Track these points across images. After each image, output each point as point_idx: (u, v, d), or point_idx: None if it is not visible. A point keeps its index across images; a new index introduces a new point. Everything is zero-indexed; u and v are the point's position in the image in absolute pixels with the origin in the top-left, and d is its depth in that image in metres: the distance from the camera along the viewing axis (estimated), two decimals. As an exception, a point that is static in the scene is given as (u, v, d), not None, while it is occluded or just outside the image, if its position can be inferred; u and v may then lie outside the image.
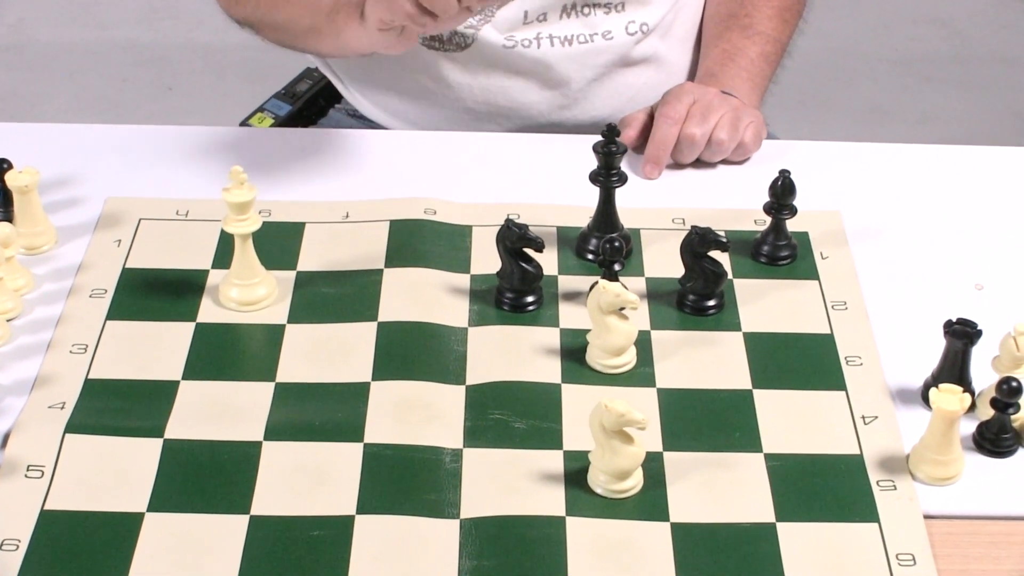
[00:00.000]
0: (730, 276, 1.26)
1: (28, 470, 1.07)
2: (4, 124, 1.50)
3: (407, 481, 1.06)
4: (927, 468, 1.07)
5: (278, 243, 1.29)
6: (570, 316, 1.22)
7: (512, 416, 1.12)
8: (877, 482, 1.07)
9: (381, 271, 1.26)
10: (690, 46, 1.62)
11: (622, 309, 1.15)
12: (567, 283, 1.26)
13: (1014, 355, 1.12)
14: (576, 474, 1.07)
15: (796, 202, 1.28)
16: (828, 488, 1.07)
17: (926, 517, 1.05)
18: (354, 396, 1.14)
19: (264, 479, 1.07)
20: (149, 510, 1.04)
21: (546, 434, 1.11)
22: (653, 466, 1.08)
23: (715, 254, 1.22)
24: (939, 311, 1.19)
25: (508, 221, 1.21)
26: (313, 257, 1.29)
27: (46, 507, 1.04)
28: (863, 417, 1.13)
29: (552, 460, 1.09)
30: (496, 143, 1.48)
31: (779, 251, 1.29)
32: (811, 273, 1.28)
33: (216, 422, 1.11)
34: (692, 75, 1.61)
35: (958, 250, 1.32)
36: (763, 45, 1.53)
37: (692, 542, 1.02)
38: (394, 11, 1.23)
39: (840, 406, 1.14)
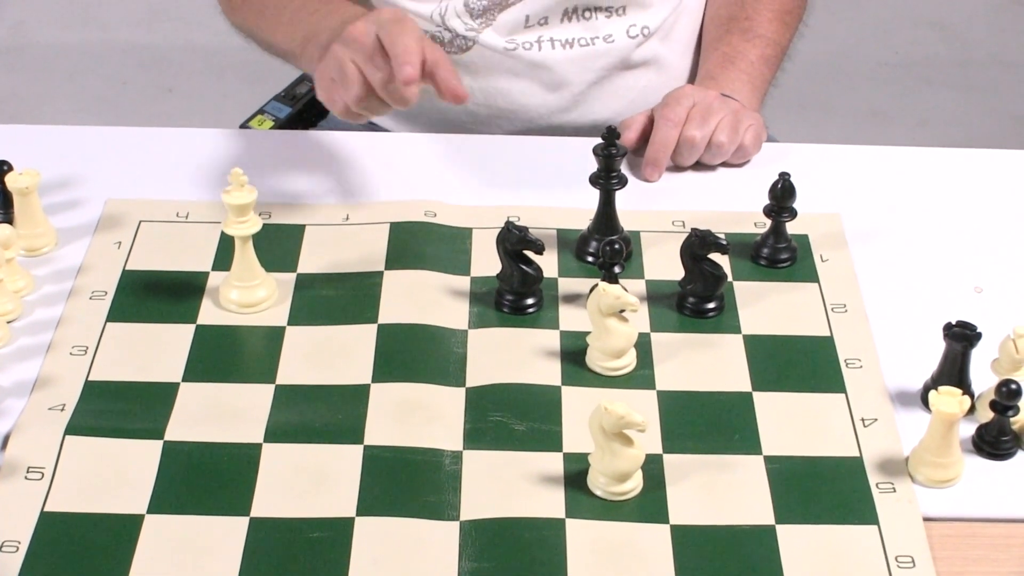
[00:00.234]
0: (730, 278, 1.26)
1: (28, 472, 1.07)
2: (4, 126, 1.50)
3: (407, 483, 1.06)
4: (926, 470, 1.08)
5: (278, 245, 1.29)
6: (570, 318, 1.23)
7: (512, 418, 1.12)
8: (876, 484, 1.07)
9: (381, 273, 1.26)
10: (691, 49, 1.62)
11: (622, 311, 1.15)
12: (567, 285, 1.26)
13: (1013, 358, 1.12)
14: (576, 476, 1.07)
15: (796, 205, 1.28)
16: (827, 490, 1.07)
17: (925, 519, 1.05)
18: (354, 398, 1.14)
19: (264, 481, 1.07)
20: (149, 512, 1.04)
21: (546, 436, 1.11)
22: (653, 468, 1.08)
23: (715, 256, 1.22)
24: (938, 314, 1.19)
25: (508, 223, 1.21)
26: (313, 259, 1.29)
27: (46, 509, 1.04)
28: (863, 419, 1.13)
29: (552, 462, 1.09)
30: (496, 145, 1.48)
31: (779, 253, 1.29)
32: (811, 276, 1.28)
33: (216, 424, 1.11)
34: (693, 78, 1.61)
35: (957, 253, 1.32)
36: (763, 48, 1.53)
37: (692, 544, 1.02)
38: (344, 82, 1.24)
39: (840, 408, 1.14)
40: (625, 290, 1.15)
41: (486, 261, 1.27)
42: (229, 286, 1.23)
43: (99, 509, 1.04)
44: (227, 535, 1.02)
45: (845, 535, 1.03)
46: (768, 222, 1.29)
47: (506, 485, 1.07)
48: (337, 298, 1.24)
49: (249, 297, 1.22)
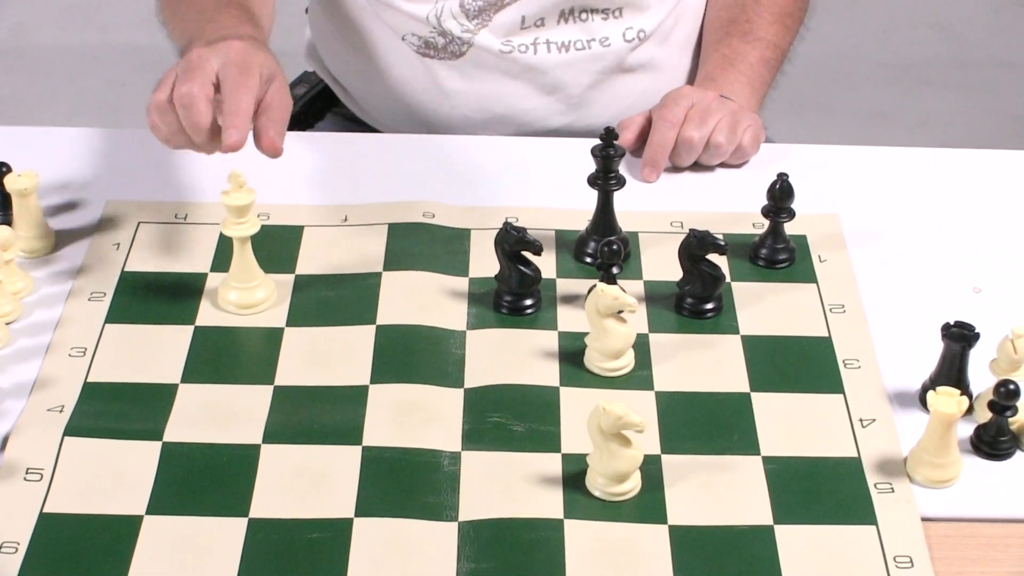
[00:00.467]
0: (728, 279, 1.27)
1: (27, 473, 1.07)
2: (3, 128, 1.50)
3: (405, 484, 1.06)
4: (925, 471, 1.08)
5: (277, 247, 1.29)
6: (568, 319, 1.23)
7: (510, 419, 1.12)
8: (875, 485, 1.07)
9: (380, 274, 1.26)
10: (689, 53, 1.62)
11: (620, 312, 1.15)
12: (565, 286, 1.26)
13: (1012, 358, 1.12)
14: (574, 477, 1.07)
15: (794, 205, 1.28)
16: (826, 491, 1.07)
17: (924, 520, 1.05)
18: (353, 399, 1.14)
19: (263, 482, 1.07)
20: (148, 513, 1.04)
21: (544, 437, 1.11)
22: (651, 469, 1.08)
23: (713, 257, 1.22)
24: (937, 314, 1.19)
25: (506, 224, 1.21)
26: (312, 260, 1.29)
27: (45, 510, 1.04)
28: (861, 420, 1.13)
29: (550, 463, 1.09)
30: (494, 146, 1.48)
31: (777, 254, 1.29)
32: (809, 276, 1.28)
33: (215, 425, 1.11)
34: (691, 81, 1.61)
35: (956, 253, 1.32)
36: (763, 50, 1.53)
37: (690, 545, 1.02)
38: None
39: (838, 409, 1.14)
40: (623, 291, 1.15)
41: (484, 262, 1.27)
42: (228, 287, 1.23)
43: (98, 510, 1.04)
44: (226, 536, 1.02)
45: (843, 535, 1.03)
46: (766, 223, 1.29)
47: (504, 486, 1.07)
48: (336, 299, 1.24)
49: (248, 298, 1.22)
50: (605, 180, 1.27)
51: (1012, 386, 1.07)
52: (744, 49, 1.52)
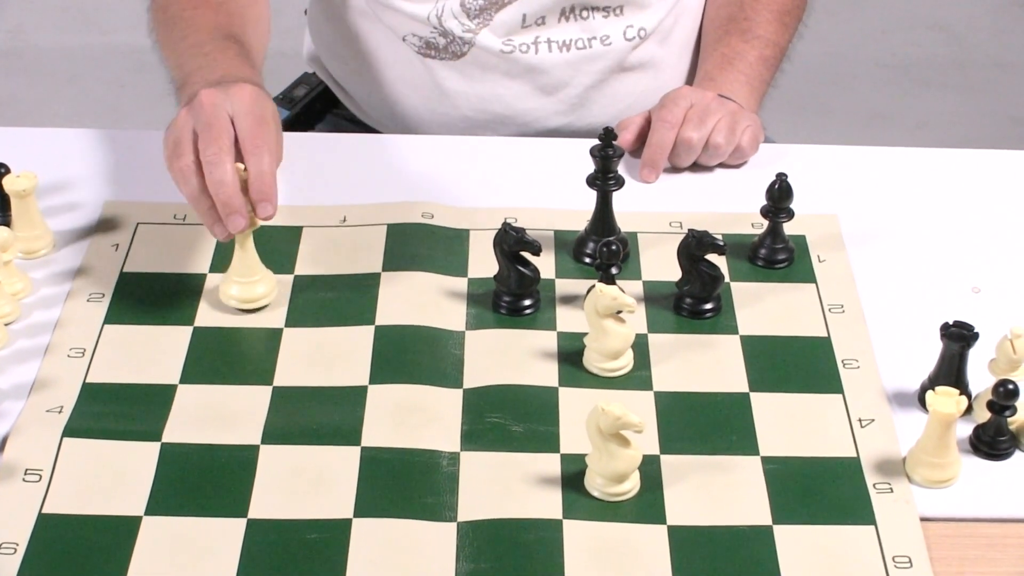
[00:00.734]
0: (727, 279, 1.27)
1: (26, 474, 1.07)
2: (2, 128, 1.50)
3: (404, 484, 1.06)
4: (924, 471, 1.08)
5: (276, 247, 1.29)
6: (567, 319, 1.23)
7: (509, 419, 1.12)
8: (874, 485, 1.07)
9: (378, 275, 1.26)
10: (688, 52, 1.62)
11: (619, 312, 1.15)
12: (564, 286, 1.26)
13: (1011, 358, 1.12)
14: (573, 477, 1.07)
15: (793, 205, 1.28)
16: (825, 491, 1.07)
17: (923, 520, 1.05)
18: (351, 400, 1.14)
19: (261, 482, 1.07)
20: (147, 513, 1.04)
21: (543, 437, 1.11)
22: (650, 469, 1.08)
23: (712, 257, 1.22)
24: (936, 314, 1.19)
25: (505, 225, 1.21)
26: (311, 261, 1.29)
27: (44, 510, 1.04)
28: (860, 420, 1.13)
29: (549, 463, 1.09)
30: (493, 147, 1.48)
31: (776, 254, 1.29)
32: (808, 276, 1.28)
33: (213, 426, 1.11)
34: (690, 80, 1.61)
35: (955, 253, 1.32)
36: (762, 49, 1.53)
37: (689, 545, 1.02)
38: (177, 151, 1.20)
39: (837, 409, 1.14)
40: (622, 291, 1.15)
41: (483, 262, 1.27)
42: (229, 282, 1.23)
43: (97, 511, 1.04)
44: (225, 536, 1.02)
45: (842, 535, 1.03)
46: (765, 223, 1.29)
47: (503, 486, 1.07)
48: (334, 300, 1.24)
49: (249, 293, 1.22)
50: (604, 180, 1.27)
51: (1011, 386, 1.07)
52: (743, 48, 1.52)
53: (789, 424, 1.13)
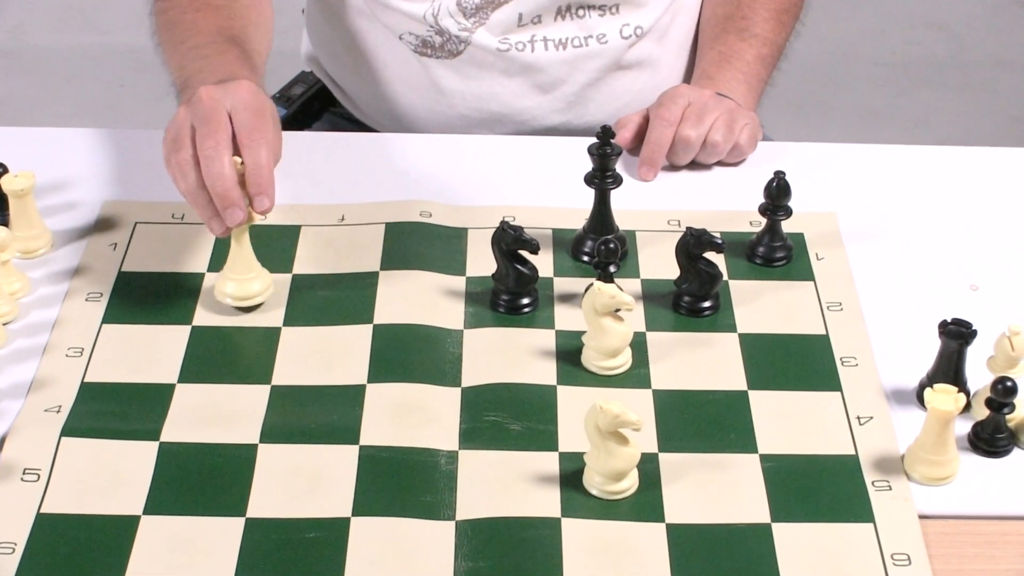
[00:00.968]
0: (725, 277, 1.27)
1: (24, 473, 1.07)
2: (0, 128, 1.50)
3: (403, 483, 1.06)
4: (922, 468, 1.08)
5: (274, 246, 1.29)
6: (565, 318, 1.23)
7: (508, 418, 1.12)
8: (872, 482, 1.07)
9: (377, 274, 1.26)
10: (685, 51, 1.62)
11: (617, 311, 1.15)
12: (563, 285, 1.26)
13: (1009, 355, 1.12)
14: (571, 475, 1.07)
15: (791, 203, 1.28)
16: (823, 489, 1.07)
17: (921, 517, 1.05)
18: (350, 399, 1.14)
19: (260, 481, 1.07)
20: (145, 513, 1.04)
21: (541, 436, 1.11)
22: (648, 467, 1.08)
23: (710, 255, 1.22)
24: (934, 311, 1.19)
25: (503, 223, 1.21)
26: (309, 260, 1.29)
27: (42, 510, 1.04)
28: (858, 418, 1.13)
29: (547, 462, 1.09)
30: (491, 145, 1.48)
31: (774, 252, 1.29)
32: (806, 274, 1.28)
33: (212, 425, 1.11)
34: (688, 79, 1.61)
35: (953, 251, 1.32)
36: (759, 48, 1.53)
37: (687, 543, 1.02)
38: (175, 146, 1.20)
39: (835, 407, 1.14)
40: (620, 289, 1.15)
41: (482, 261, 1.27)
42: (225, 279, 1.23)
43: (95, 510, 1.04)
44: (223, 536, 1.02)
45: (841, 533, 1.03)
46: (764, 221, 1.29)
47: (502, 485, 1.07)
48: (332, 299, 1.24)
49: (245, 290, 1.22)
50: (602, 179, 1.27)
51: (1009, 383, 1.07)
52: (740, 47, 1.52)
53: (787, 422, 1.13)
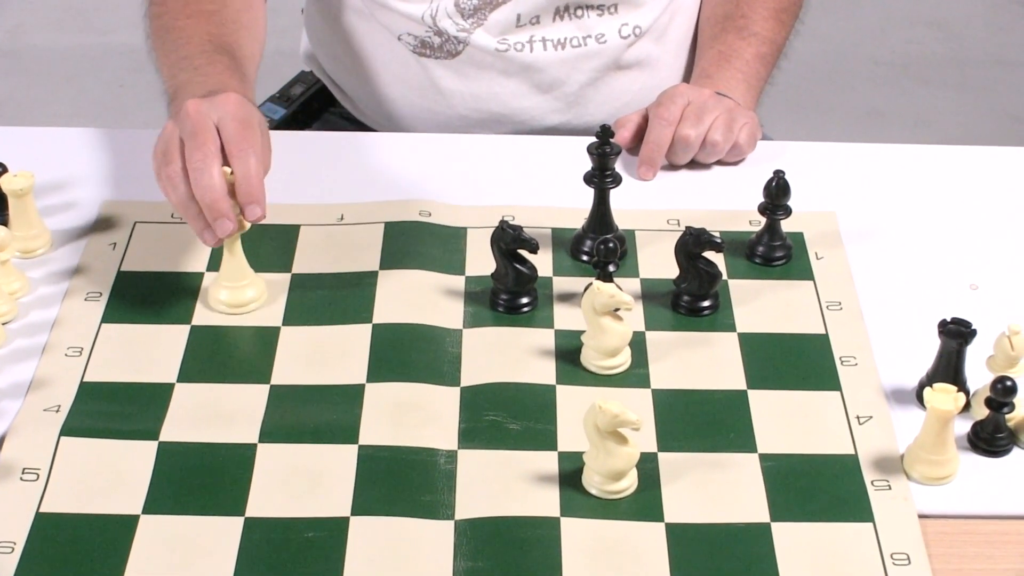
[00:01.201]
0: (725, 277, 1.26)
1: (23, 473, 1.07)
2: (0, 128, 1.50)
3: (402, 482, 1.06)
4: (922, 468, 1.07)
5: (273, 245, 1.29)
6: (565, 317, 1.22)
7: (507, 417, 1.12)
8: (872, 482, 1.07)
9: (376, 273, 1.26)
10: (684, 50, 1.62)
11: (616, 310, 1.15)
12: (562, 284, 1.26)
13: (1009, 354, 1.12)
14: (571, 475, 1.07)
15: (791, 203, 1.28)
16: (823, 488, 1.07)
17: (921, 517, 1.05)
18: (349, 398, 1.14)
19: (259, 481, 1.07)
20: (144, 512, 1.04)
21: (541, 435, 1.11)
22: (648, 467, 1.08)
23: (710, 255, 1.22)
24: (934, 311, 1.19)
25: (503, 223, 1.21)
26: (308, 259, 1.29)
27: (41, 510, 1.04)
28: (858, 417, 1.13)
29: (547, 461, 1.09)
30: (491, 145, 1.48)
31: (774, 252, 1.29)
32: (806, 273, 1.28)
33: (211, 424, 1.11)
34: (687, 78, 1.61)
35: (953, 250, 1.32)
36: (759, 46, 1.53)
37: (687, 542, 1.02)
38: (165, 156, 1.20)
39: (835, 406, 1.14)
40: (619, 289, 1.15)
41: (481, 260, 1.27)
42: (218, 286, 1.23)
43: (94, 510, 1.04)
44: (222, 535, 1.02)
45: (840, 533, 1.03)
46: (763, 220, 1.29)
47: (501, 484, 1.06)
48: (332, 298, 1.24)
49: (238, 297, 1.22)
50: (601, 178, 1.27)
51: (1009, 382, 1.07)
52: (739, 45, 1.52)
53: (787, 421, 1.13)
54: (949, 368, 1.12)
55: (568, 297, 1.25)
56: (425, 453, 1.09)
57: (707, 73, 1.51)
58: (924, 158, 1.46)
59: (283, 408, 1.13)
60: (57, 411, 1.12)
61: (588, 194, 1.29)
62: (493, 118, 1.56)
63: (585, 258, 1.29)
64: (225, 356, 1.19)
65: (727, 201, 1.37)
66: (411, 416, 1.12)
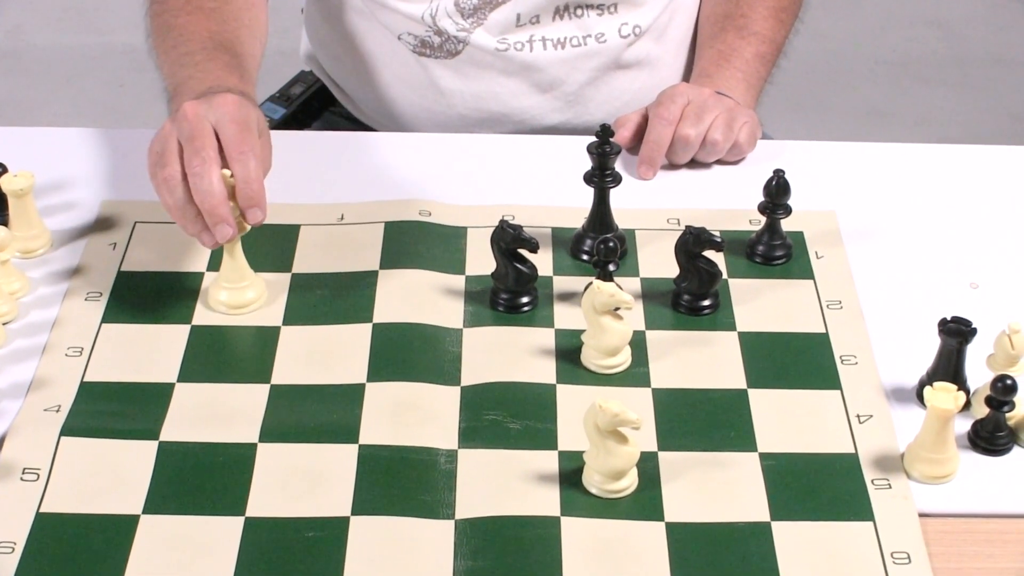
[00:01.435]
0: (725, 276, 1.26)
1: (24, 473, 1.07)
2: (0, 128, 1.50)
3: (402, 482, 1.06)
4: (922, 466, 1.07)
5: (273, 245, 1.29)
6: (565, 317, 1.22)
7: (507, 417, 1.12)
8: (872, 481, 1.07)
9: (376, 273, 1.26)
10: (684, 50, 1.62)
11: (617, 309, 1.15)
12: (562, 284, 1.26)
13: (1009, 353, 1.12)
14: (571, 474, 1.07)
15: (791, 202, 1.28)
16: (823, 487, 1.07)
17: (921, 515, 1.05)
18: (349, 398, 1.14)
19: (259, 481, 1.07)
20: (144, 512, 1.04)
21: (541, 434, 1.11)
22: (648, 466, 1.08)
23: (710, 254, 1.22)
24: (934, 310, 1.19)
25: (503, 222, 1.21)
26: (308, 259, 1.29)
27: (42, 510, 1.04)
28: (858, 416, 1.13)
29: (547, 460, 1.09)
30: (491, 145, 1.48)
31: (774, 251, 1.29)
32: (806, 272, 1.28)
33: (211, 424, 1.11)
34: (687, 77, 1.61)
35: (953, 249, 1.32)
36: (758, 46, 1.53)
37: (687, 542, 1.02)
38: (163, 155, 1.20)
39: (835, 405, 1.14)
40: (620, 288, 1.15)
41: (481, 260, 1.27)
42: (218, 287, 1.23)
43: (95, 510, 1.04)
44: (223, 535, 1.02)
45: (841, 532, 1.03)
46: (763, 219, 1.29)
47: (501, 483, 1.06)
48: (332, 298, 1.24)
49: (238, 298, 1.22)
50: (601, 177, 1.27)
51: (1009, 381, 1.07)
52: (739, 45, 1.52)
53: (787, 420, 1.13)
54: (949, 367, 1.12)
55: (568, 296, 1.25)
56: (425, 452, 1.09)
57: (707, 72, 1.51)
58: (924, 157, 1.46)
59: (283, 408, 1.13)
60: (57, 411, 1.12)
61: (588, 193, 1.29)
62: (493, 117, 1.56)
63: (585, 257, 1.29)
64: (225, 356, 1.19)
65: (727, 200, 1.37)
66: (411, 415, 1.12)
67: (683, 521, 1.04)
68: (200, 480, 1.07)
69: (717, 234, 1.21)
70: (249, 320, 1.22)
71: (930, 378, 1.13)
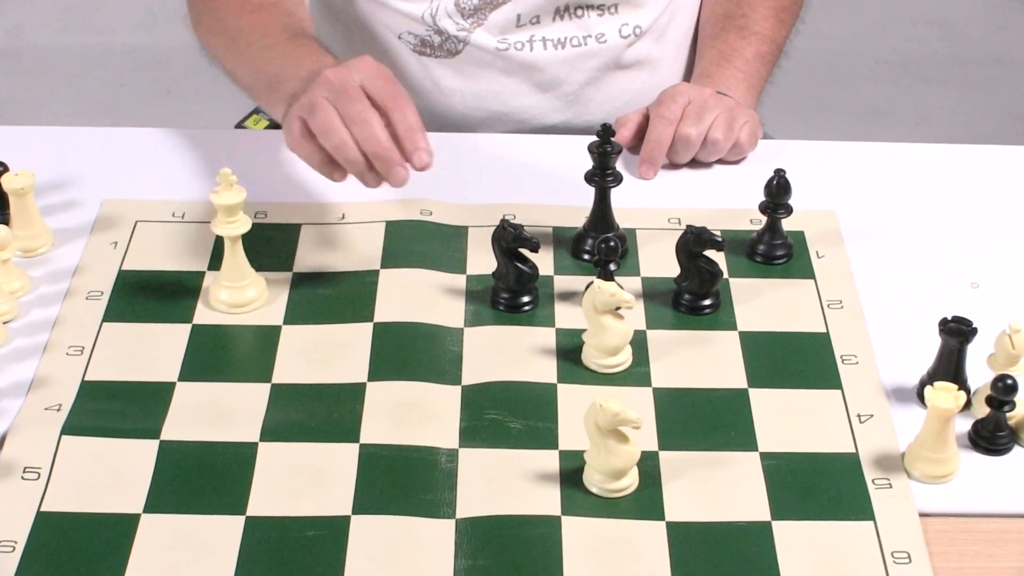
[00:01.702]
0: (726, 275, 1.27)
1: (25, 472, 1.07)
2: (1, 127, 1.50)
3: (403, 481, 1.06)
4: (922, 466, 1.07)
5: (274, 244, 1.29)
6: (566, 316, 1.23)
7: (508, 416, 1.12)
8: (872, 480, 1.07)
9: (377, 272, 1.26)
10: (684, 50, 1.62)
11: (617, 309, 1.15)
12: (563, 283, 1.26)
13: (1009, 353, 1.12)
14: (571, 473, 1.07)
15: (792, 201, 1.28)
16: (824, 486, 1.07)
17: (921, 515, 1.05)
18: (350, 397, 1.14)
19: (260, 480, 1.07)
20: (145, 511, 1.04)
21: (541, 434, 1.11)
22: (648, 465, 1.08)
23: (711, 253, 1.22)
24: (934, 309, 1.19)
25: (504, 221, 1.21)
26: (309, 258, 1.29)
27: (42, 509, 1.04)
28: (859, 415, 1.13)
29: (547, 460, 1.09)
30: (492, 144, 1.48)
31: (775, 250, 1.29)
32: (807, 272, 1.28)
33: (212, 423, 1.11)
34: (687, 77, 1.61)
35: (953, 248, 1.32)
36: (759, 45, 1.53)
37: (688, 541, 1.02)
38: (294, 144, 1.22)
39: (836, 405, 1.14)
40: (620, 287, 1.15)
41: (482, 259, 1.27)
42: (219, 286, 1.23)
43: (95, 509, 1.04)
44: (223, 534, 1.02)
45: (841, 531, 1.03)
46: (764, 219, 1.29)
47: (502, 483, 1.06)
48: (333, 297, 1.24)
49: (239, 297, 1.22)
50: (602, 177, 1.27)
51: (1010, 381, 1.07)
52: (740, 44, 1.52)
53: (788, 420, 1.13)
54: (950, 366, 1.12)
55: (569, 296, 1.25)
56: (426, 452, 1.09)
57: (707, 72, 1.51)
58: (925, 157, 1.46)
59: (284, 407, 1.13)
60: (58, 410, 1.12)
61: (589, 193, 1.29)
62: (494, 117, 1.56)
63: (586, 257, 1.29)
64: (226, 355, 1.19)
65: (728, 200, 1.37)
66: (412, 415, 1.12)
67: (684, 520, 1.04)
68: (201, 479, 1.07)
69: (718, 233, 1.21)
70: (250, 319, 1.22)
71: (931, 378, 1.13)
